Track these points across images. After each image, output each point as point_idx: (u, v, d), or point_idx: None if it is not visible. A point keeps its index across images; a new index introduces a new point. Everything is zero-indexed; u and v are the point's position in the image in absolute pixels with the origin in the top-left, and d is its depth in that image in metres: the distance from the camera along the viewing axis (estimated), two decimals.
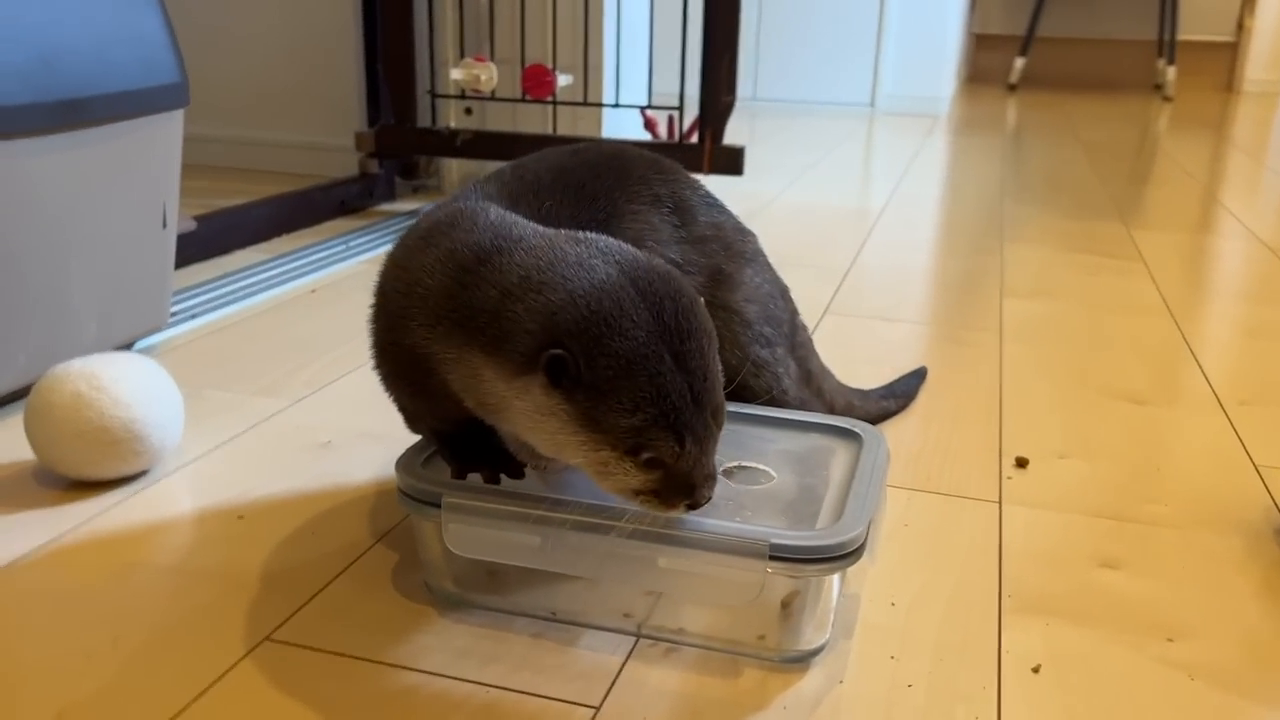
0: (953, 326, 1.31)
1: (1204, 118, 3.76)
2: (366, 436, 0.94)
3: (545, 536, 0.63)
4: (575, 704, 0.60)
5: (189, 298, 1.33)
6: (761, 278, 0.81)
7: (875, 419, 0.97)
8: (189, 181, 1.13)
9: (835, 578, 0.63)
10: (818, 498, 0.68)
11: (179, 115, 1.09)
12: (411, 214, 1.85)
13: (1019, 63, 4.46)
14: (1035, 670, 0.64)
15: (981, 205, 2.09)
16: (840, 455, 0.73)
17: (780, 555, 0.59)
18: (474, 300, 0.60)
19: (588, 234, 0.62)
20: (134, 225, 1.06)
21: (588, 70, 1.80)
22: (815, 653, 0.64)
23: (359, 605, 0.69)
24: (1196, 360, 1.20)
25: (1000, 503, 0.85)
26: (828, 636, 0.65)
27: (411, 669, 0.63)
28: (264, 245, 1.60)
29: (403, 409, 0.73)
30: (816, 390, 0.88)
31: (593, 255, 0.59)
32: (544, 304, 0.57)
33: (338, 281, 1.43)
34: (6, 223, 0.91)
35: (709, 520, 0.61)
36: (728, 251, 0.78)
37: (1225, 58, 4.72)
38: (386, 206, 1.90)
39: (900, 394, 1.03)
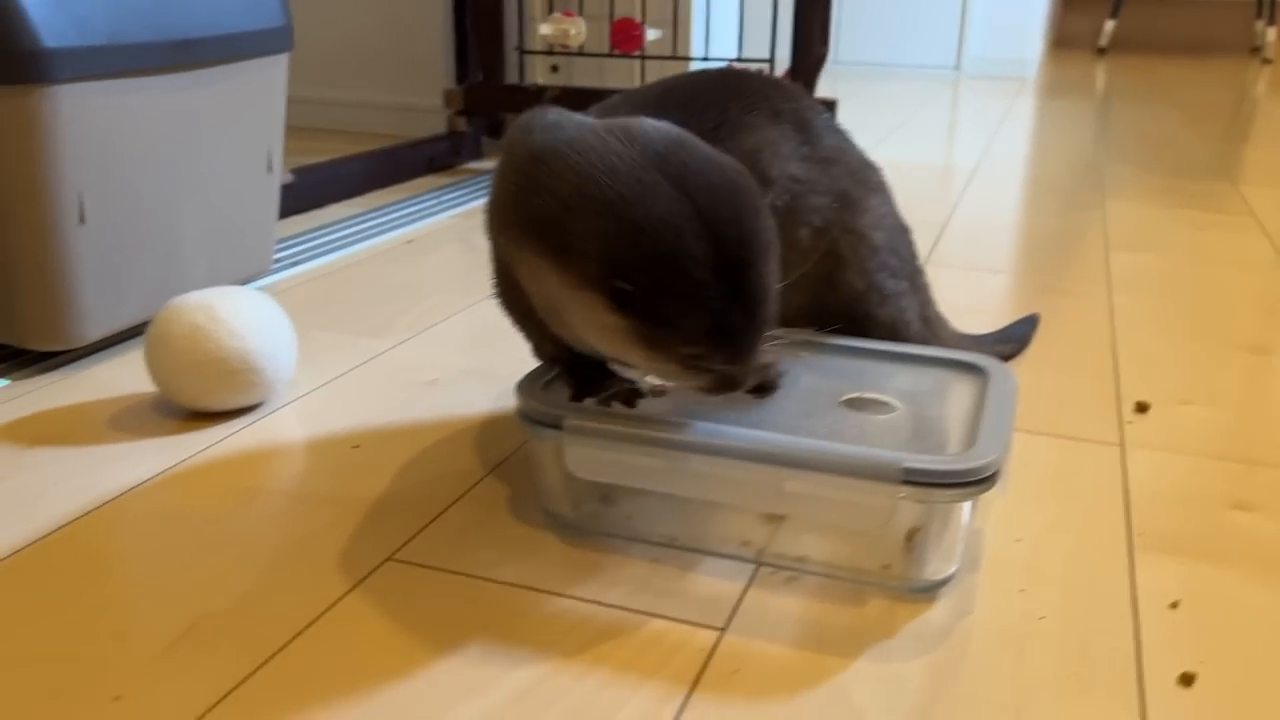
0: (1057, 278, 1.27)
1: None
2: (471, 374, 0.95)
3: (669, 459, 0.62)
4: (699, 625, 0.59)
5: (289, 247, 1.35)
6: (888, 209, 0.79)
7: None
8: None
9: (965, 508, 0.61)
10: (942, 429, 0.66)
11: (284, 59, 1.10)
12: None
13: (1109, 25, 4.33)
14: (1173, 606, 0.62)
15: (1077, 164, 2.03)
16: (962, 389, 0.71)
17: (915, 480, 0.58)
18: (535, 206, 0.60)
19: (639, 126, 0.61)
20: (241, 168, 1.07)
21: (677, 24, 1.78)
22: (942, 583, 0.63)
23: (477, 530, 0.69)
24: None
25: (1123, 445, 0.83)
26: (955, 567, 0.63)
27: (532, 588, 0.62)
28: (357, 200, 1.62)
29: (524, 335, 0.73)
30: (934, 334, 0.86)
31: (644, 164, 0.58)
32: (604, 231, 0.57)
33: (432, 233, 1.44)
34: (124, 159, 0.92)
35: (839, 444, 0.60)
36: (854, 178, 0.77)
37: None
38: (474, 165, 1.91)
39: (1015, 338, 1.01)
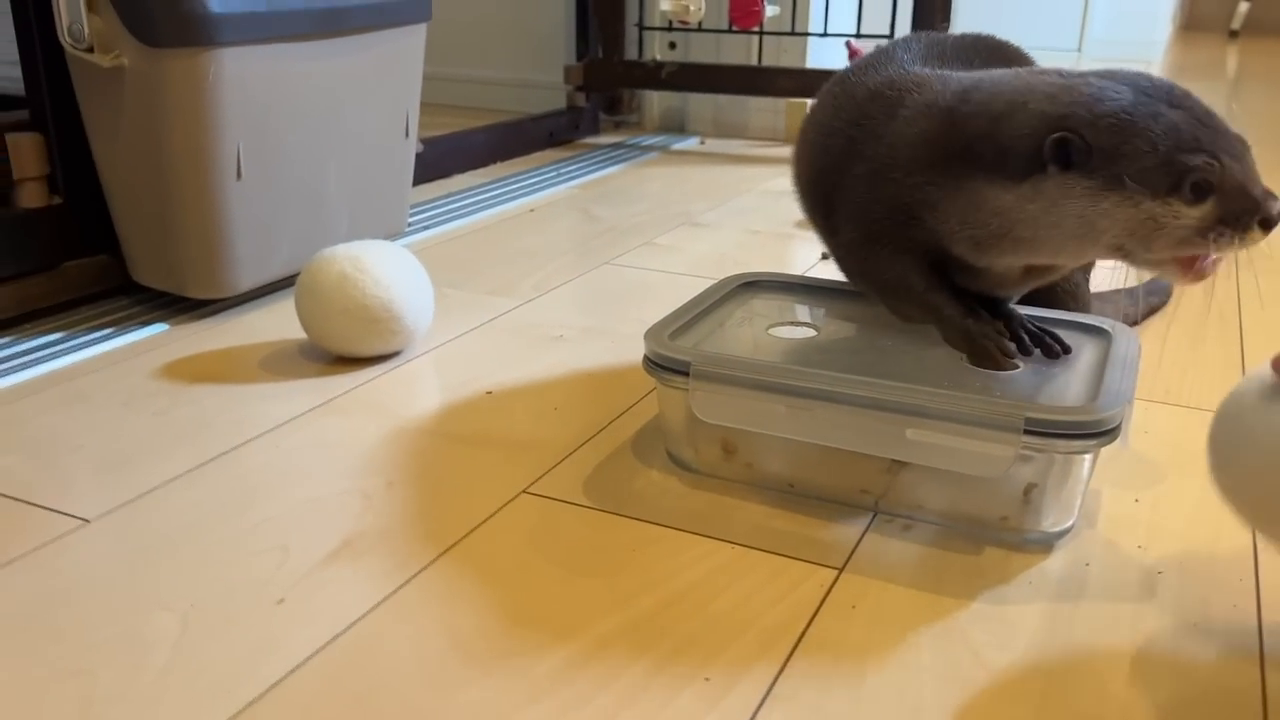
0: None
1: None
2: (593, 332, 0.99)
3: (791, 405, 0.64)
4: (819, 564, 0.62)
5: (419, 212, 1.41)
6: None
7: (1145, 315, 1.01)
8: None
9: (1085, 463, 0.62)
10: (1065, 384, 0.67)
11: (422, 29, 1.15)
12: (614, 146, 1.89)
13: (1243, 7, 4.16)
14: None
15: None
16: (1088, 349, 0.71)
17: (1035, 429, 0.59)
18: (966, 131, 0.64)
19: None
20: (382, 131, 1.13)
21: (796, 1, 1.78)
22: (1059, 535, 0.64)
23: (605, 469, 0.73)
24: None
25: None
26: (1073, 520, 0.64)
27: (657, 524, 0.66)
28: (481, 171, 1.68)
29: (888, 288, 0.72)
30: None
31: (1062, 75, 0.63)
32: (1034, 112, 0.61)
33: (554, 203, 1.49)
34: (277, 120, 0.98)
35: (960, 393, 0.62)
36: None
37: None
38: (590, 140, 1.95)
39: (1159, 290, 1.04)
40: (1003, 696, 0.52)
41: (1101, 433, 0.60)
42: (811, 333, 0.77)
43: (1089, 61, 3.39)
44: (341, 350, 0.90)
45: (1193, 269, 0.61)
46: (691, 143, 1.94)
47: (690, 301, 0.78)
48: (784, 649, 0.55)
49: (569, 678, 0.52)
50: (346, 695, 0.51)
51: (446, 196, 1.50)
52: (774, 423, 0.66)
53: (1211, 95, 2.68)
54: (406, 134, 1.17)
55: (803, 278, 0.86)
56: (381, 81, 1.11)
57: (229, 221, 0.97)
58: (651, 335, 0.71)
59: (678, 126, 2.03)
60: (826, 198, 0.75)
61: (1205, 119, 0.59)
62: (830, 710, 0.50)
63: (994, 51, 0.78)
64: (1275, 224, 0.58)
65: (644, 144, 1.91)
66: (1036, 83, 0.64)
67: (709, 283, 0.85)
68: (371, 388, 0.86)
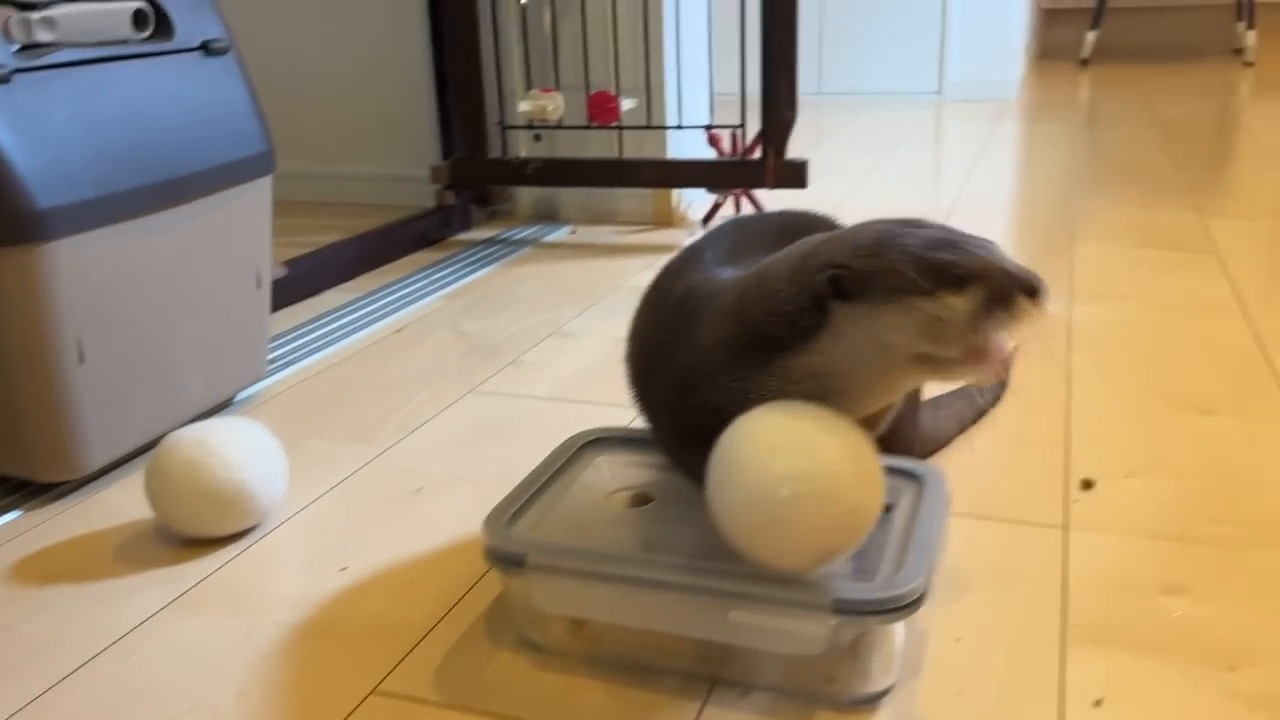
0: (1022, 337, 1.32)
1: None
2: (455, 480, 1.00)
3: (622, 593, 0.67)
4: None
5: (285, 343, 1.41)
6: None
7: (978, 415, 1.08)
8: (276, 220, 1.20)
9: (898, 629, 0.66)
10: (882, 544, 0.71)
11: (267, 181, 1.16)
12: (487, 243, 1.91)
13: (1090, 36, 4.37)
14: (1097, 704, 0.67)
15: (1051, 199, 2.08)
16: (906, 497, 0.76)
17: (844, 610, 0.63)
18: (754, 322, 0.70)
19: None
20: (232, 287, 1.14)
21: (650, 93, 1.84)
22: (883, 694, 0.68)
23: (457, 655, 0.75)
24: (1270, 363, 1.20)
25: (1065, 528, 0.88)
26: (895, 678, 0.68)
27: (508, 716, 0.68)
28: (350, 285, 1.68)
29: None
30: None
31: (828, 235, 0.71)
32: (806, 270, 0.68)
33: (422, 318, 1.50)
34: (120, 298, 0.99)
35: (776, 576, 0.65)
36: None
37: None
38: (464, 236, 1.97)
39: (992, 388, 1.11)
40: None
41: (907, 605, 0.64)
42: (650, 499, 0.80)
43: (950, 104, 3.54)
44: (195, 533, 0.90)
45: (988, 359, 0.65)
46: (563, 232, 1.97)
47: (533, 472, 0.81)
48: None
49: None
50: None
51: (313, 321, 1.50)
52: (609, 610, 0.68)
53: (1064, 134, 2.79)
54: (259, 284, 1.17)
55: (642, 432, 0.89)
56: (229, 239, 1.12)
57: (74, 405, 0.96)
58: (490, 524, 0.73)
59: (550, 214, 2.07)
60: (643, 397, 0.80)
61: (951, 232, 0.66)
62: None
63: (801, 228, 0.82)
64: (1039, 291, 0.64)
65: (516, 238, 1.94)
66: (797, 249, 0.70)
67: (576, 408, 0.88)
68: (225, 574, 0.86)
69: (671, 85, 1.86)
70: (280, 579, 0.86)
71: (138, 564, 0.88)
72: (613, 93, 1.80)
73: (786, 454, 0.63)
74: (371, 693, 0.71)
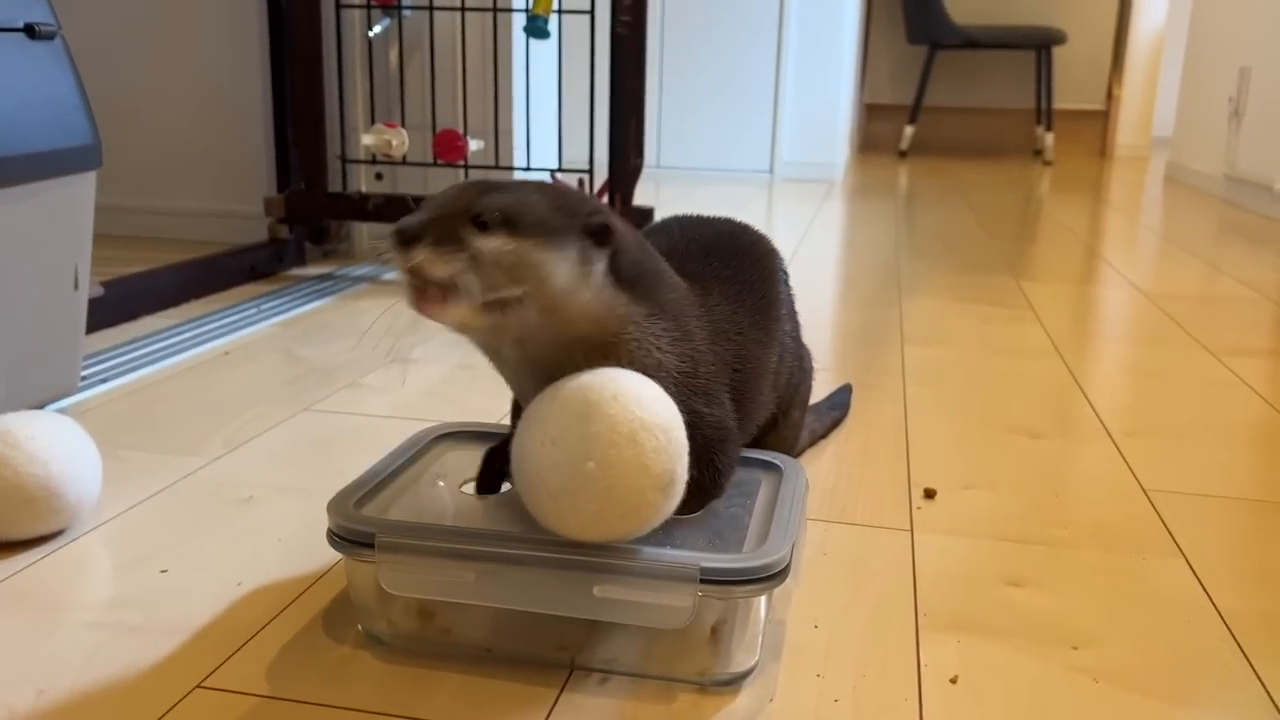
0: (858, 371, 1.36)
1: (1081, 179, 3.98)
2: (288, 490, 0.94)
3: (480, 572, 0.64)
4: None
5: (98, 362, 1.31)
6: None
7: (829, 429, 1.12)
8: (96, 251, 1.12)
9: (762, 602, 0.65)
10: (743, 525, 0.70)
11: (91, 177, 1.09)
12: (322, 278, 1.85)
13: (908, 130, 4.67)
14: (953, 681, 0.67)
15: (878, 263, 2.18)
16: (764, 486, 0.76)
17: (710, 578, 0.61)
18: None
19: None
20: (45, 287, 1.05)
21: (498, 135, 1.84)
22: (745, 675, 0.66)
23: (292, 651, 0.69)
24: (1086, 396, 1.28)
25: (912, 530, 0.89)
26: (756, 659, 0.67)
27: (348, 709, 0.63)
28: (173, 311, 1.59)
29: None
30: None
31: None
32: None
33: (252, 343, 1.43)
34: None
35: (643, 548, 0.63)
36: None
37: (1098, 124, 5.01)
38: (297, 271, 1.90)
39: (840, 404, 1.16)
40: None
41: (773, 575, 0.63)
42: (506, 487, 0.77)
43: (780, 183, 3.69)
44: None
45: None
46: None
47: (381, 461, 0.76)
48: None
49: None
50: None
51: (130, 343, 1.40)
52: (464, 591, 0.65)
53: (886, 211, 2.95)
54: (76, 286, 1.09)
55: (498, 427, 0.86)
56: (45, 234, 1.03)
57: None
58: (335, 505, 0.69)
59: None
60: None
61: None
62: None
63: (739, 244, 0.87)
64: (402, 234, 0.61)
65: (354, 274, 1.89)
66: None
67: (418, 426, 0.84)
68: (28, 575, 0.78)
69: (520, 128, 1.87)
70: (91, 580, 0.78)
71: None
72: (460, 132, 1.79)
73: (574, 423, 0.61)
74: (196, 687, 0.64)
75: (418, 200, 1.85)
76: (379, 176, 1.95)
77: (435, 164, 1.80)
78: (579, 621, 0.68)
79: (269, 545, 0.84)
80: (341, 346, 1.42)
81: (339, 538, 0.67)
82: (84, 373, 1.22)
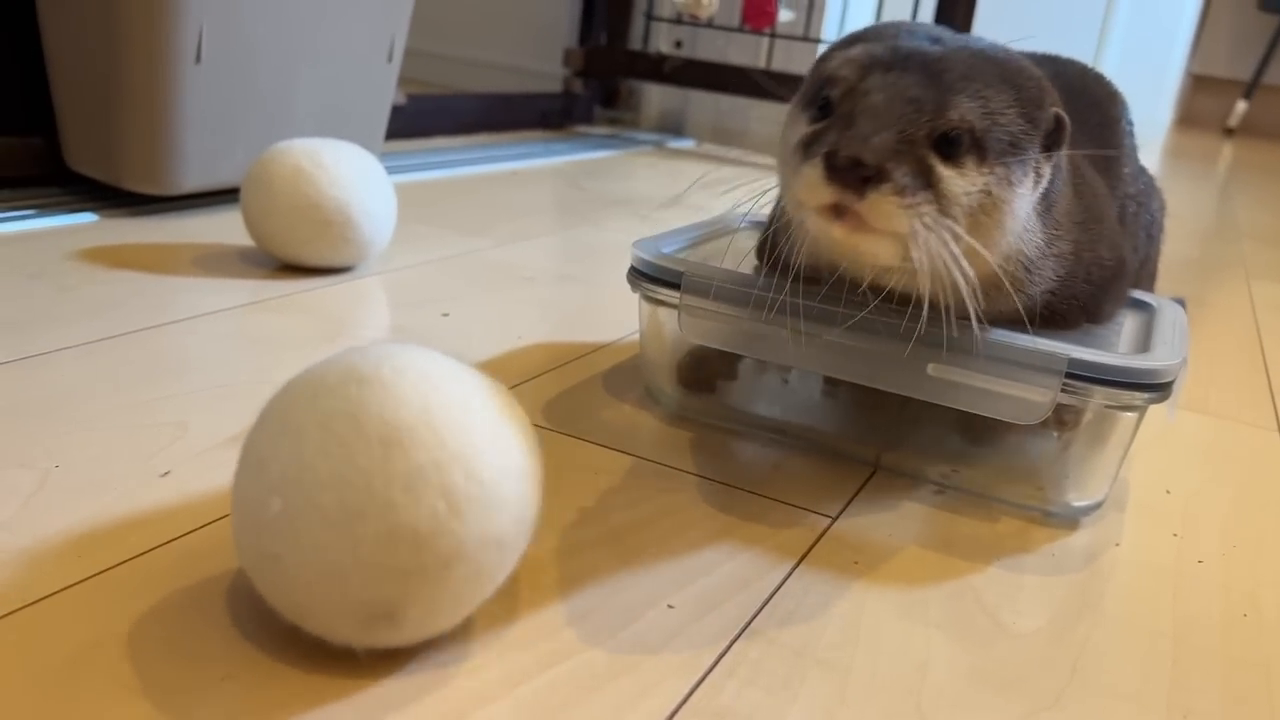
0: (1195, 295, 1.18)
1: None
2: (567, 278, 0.90)
3: (796, 330, 0.55)
4: (809, 510, 0.53)
5: (394, 159, 1.31)
6: None
7: None
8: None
9: (1128, 425, 0.54)
10: (1110, 343, 0.58)
11: None
12: (608, 136, 1.81)
13: (1240, 106, 4.19)
14: None
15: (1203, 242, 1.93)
16: (1131, 320, 0.63)
17: (1081, 374, 0.50)
18: None
19: None
20: (363, 48, 1.04)
21: (812, 8, 1.73)
22: (1086, 510, 0.55)
23: (569, 397, 0.63)
24: None
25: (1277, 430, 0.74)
26: (1103, 497, 0.56)
27: (625, 452, 0.56)
28: (464, 138, 1.59)
29: None
30: None
31: None
32: None
33: (537, 172, 1.40)
34: (248, 6, 0.89)
35: (997, 330, 0.53)
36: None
37: None
38: (584, 128, 1.87)
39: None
40: (1028, 663, 0.42)
41: (1153, 385, 0.51)
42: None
43: None
44: (286, 254, 0.80)
45: None
46: (688, 144, 1.86)
47: (685, 227, 0.69)
48: (767, 585, 0.45)
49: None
50: (217, 569, 0.41)
51: (425, 151, 1.41)
52: (773, 349, 0.56)
53: (1207, 173, 2.62)
54: (390, 58, 1.08)
55: None
56: (370, 1, 1.02)
57: (180, 110, 0.87)
58: (641, 243, 0.62)
59: (674, 129, 1.96)
60: None
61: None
62: (819, 651, 0.41)
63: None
64: (858, 166, 0.45)
65: (638, 138, 1.84)
66: None
67: None
68: (314, 295, 0.76)
69: (836, 4, 1.75)
70: (374, 310, 0.76)
71: (217, 272, 0.79)
72: None
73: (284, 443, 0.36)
74: None
75: (715, 69, 1.79)
76: (679, 44, 1.88)
77: (740, 29, 1.71)
78: (889, 415, 0.59)
79: (548, 315, 0.79)
80: (627, 185, 1.37)
81: (641, 275, 0.60)
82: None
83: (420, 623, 0.36)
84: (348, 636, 0.36)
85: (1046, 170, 0.52)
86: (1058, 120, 0.51)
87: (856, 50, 0.50)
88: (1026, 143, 0.49)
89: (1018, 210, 0.50)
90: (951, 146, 0.46)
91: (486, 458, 0.36)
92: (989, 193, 0.48)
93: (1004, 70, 0.50)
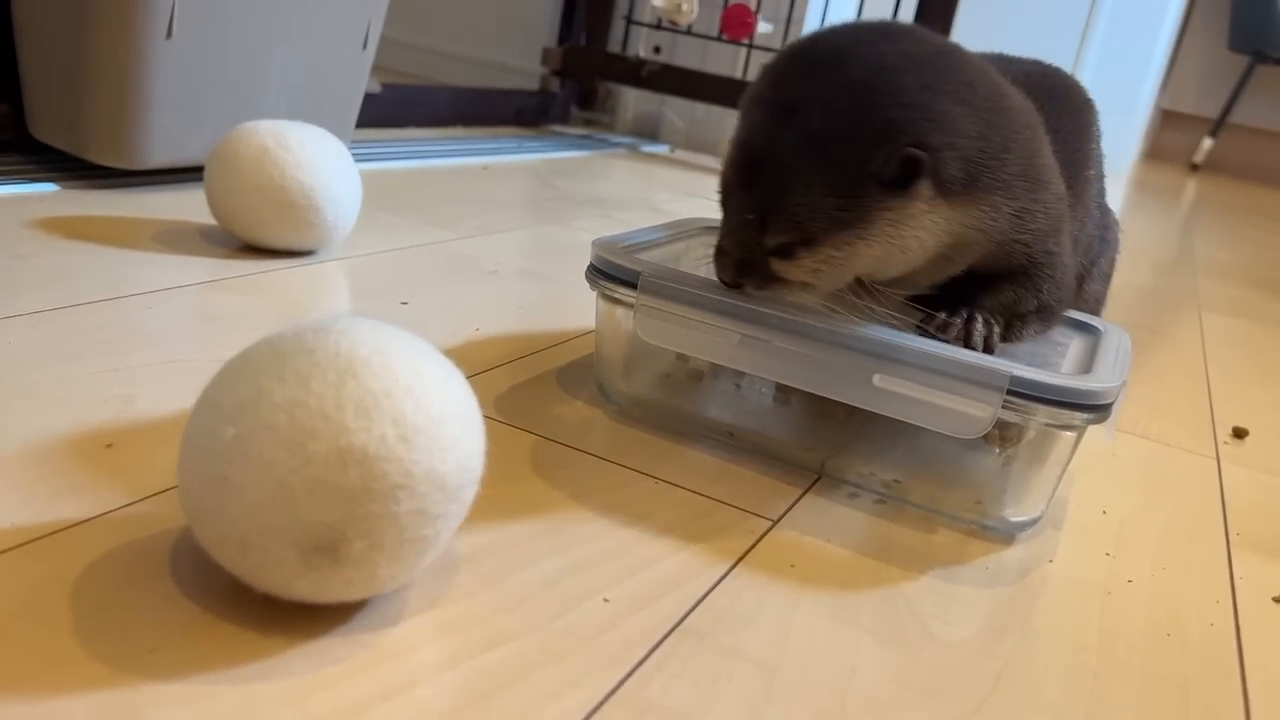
0: (1152, 319, 1.21)
1: None
2: (531, 274, 0.90)
3: (747, 334, 0.56)
4: (751, 513, 0.53)
5: (364, 148, 1.31)
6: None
7: None
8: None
9: (1066, 444, 0.55)
10: (1053, 363, 0.60)
11: None
12: (582, 136, 1.82)
13: (1206, 143, 4.26)
14: (1277, 600, 0.55)
15: (1169, 249, 1.97)
16: (1076, 342, 0.65)
17: (1022, 391, 0.51)
18: None
19: None
20: (339, 33, 1.04)
21: (790, 22, 1.74)
22: (1023, 526, 0.56)
23: (522, 391, 0.64)
24: None
25: (1219, 459, 0.76)
26: (1041, 513, 0.57)
27: (574, 448, 0.57)
28: (438, 130, 1.59)
29: None
30: None
31: None
32: None
33: (509, 168, 1.40)
34: None
35: (943, 345, 0.54)
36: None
37: None
38: (558, 127, 1.88)
39: None
40: (953, 671, 0.43)
41: (1092, 406, 0.52)
42: None
43: None
44: (249, 235, 0.80)
45: None
46: (662, 149, 1.87)
47: (647, 228, 0.70)
48: (704, 584, 0.46)
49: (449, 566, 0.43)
50: (157, 540, 0.41)
51: (397, 141, 1.40)
52: (724, 352, 0.57)
53: (1169, 207, 2.67)
54: (365, 44, 1.08)
55: None
56: None
57: (149, 85, 0.87)
58: (601, 241, 0.62)
59: (650, 133, 1.97)
60: None
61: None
62: (749, 650, 0.42)
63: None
64: (725, 286, 0.56)
65: (613, 141, 1.84)
66: None
67: None
68: (273, 277, 0.76)
69: (815, 18, 1.77)
70: (333, 294, 0.76)
71: (176, 248, 0.78)
72: (752, 9, 1.71)
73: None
74: None
75: (693, 76, 1.79)
76: (657, 50, 1.89)
77: (719, 38, 1.72)
78: (836, 424, 0.60)
79: (508, 309, 0.79)
80: (597, 186, 1.38)
81: (600, 273, 0.60)
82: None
83: (361, 561, 0.36)
84: (287, 576, 0.36)
85: (910, 194, 0.52)
86: (906, 160, 0.51)
87: (732, 142, 0.56)
88: (858, 205, 0.52)
89: (876, 243, 0.53)
90: (784, 249, 0.53)
91: (435, 395, 0.38)
92: (828, 260, 0.53)
93: (850, 126, 0.52)
